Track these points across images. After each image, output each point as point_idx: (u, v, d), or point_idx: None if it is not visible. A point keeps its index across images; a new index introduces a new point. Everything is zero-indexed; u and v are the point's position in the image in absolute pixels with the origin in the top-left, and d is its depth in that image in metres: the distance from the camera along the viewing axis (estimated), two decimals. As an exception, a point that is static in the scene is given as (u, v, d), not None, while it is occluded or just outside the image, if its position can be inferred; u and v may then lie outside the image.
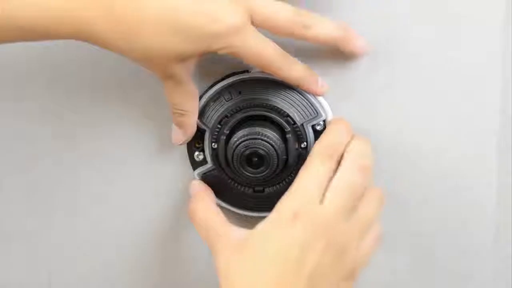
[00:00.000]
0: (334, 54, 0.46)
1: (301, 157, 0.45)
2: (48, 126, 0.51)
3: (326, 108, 0.46)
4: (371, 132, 0.47)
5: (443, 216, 0.50)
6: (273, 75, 0.44)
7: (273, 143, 0.43)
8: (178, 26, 0.40)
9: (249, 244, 0.41)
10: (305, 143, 0.46)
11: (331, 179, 0.42)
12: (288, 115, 0.45)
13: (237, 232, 0.43)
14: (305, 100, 0.46)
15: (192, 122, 0.46)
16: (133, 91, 0.49)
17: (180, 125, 0.46)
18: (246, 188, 0.47)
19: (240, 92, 0.45)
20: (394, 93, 0.48)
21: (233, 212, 0.48)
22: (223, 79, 0.47)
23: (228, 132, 0.45)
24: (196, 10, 0.40)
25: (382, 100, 0.48)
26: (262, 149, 0.43)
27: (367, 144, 0.44)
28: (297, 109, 0.45)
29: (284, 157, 0.44)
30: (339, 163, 0.42)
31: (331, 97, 0.47)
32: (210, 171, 0.47)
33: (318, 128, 0.46)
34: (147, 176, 0.51)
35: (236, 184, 0.47)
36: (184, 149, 0.48)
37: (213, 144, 0.46)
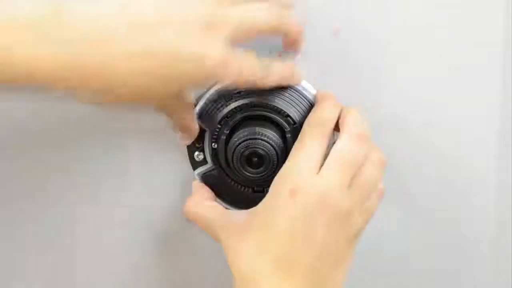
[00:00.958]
0: (336, 53, 0.47)
1: None
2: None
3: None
4: (371, 135, 0.47)
5: (443, 216, 0.50)
6: None
7: (273, 143, 0.43)
8: (163, 75, 0.38)
9: (251, 227, 0.41)
10: (305, 143, 0.46)
11: (325, 155, 0.42)
12: (288, 115, 0.45)
13: (237, 216, 0.43)
14: (305, 100, 0.46)
15: (194, 124, 0.46)
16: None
17: (184, 130, 0.46)
18: (246, 188, 0.47)
19: (239, 92, 0.45)
20: (394, 92, 0.48)
21: (233, 212, 0.48)
22: None
23: (228, 132, 0.45)
24: (176, 58, 0.37)
25: (381, 101, 0.48)
26: (262, 149, 0.43)
27: (358, 112, 0.43)
28: (297, 109, 0.45)
29: (284, 157, 0.44)
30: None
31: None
32: (210, 171, 0.47)
33: None
34: (147, 176, 0.51)
35: (236, 184, 0.47)
36: (184, 149, 0.48)
37: (213, 144, 0.46)
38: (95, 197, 0.52)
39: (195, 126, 0.46)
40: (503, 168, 0.49)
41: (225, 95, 0.46)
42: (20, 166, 0.52)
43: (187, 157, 0.48)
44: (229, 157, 0.44)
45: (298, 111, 0.45)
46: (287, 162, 0.42)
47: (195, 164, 0.48)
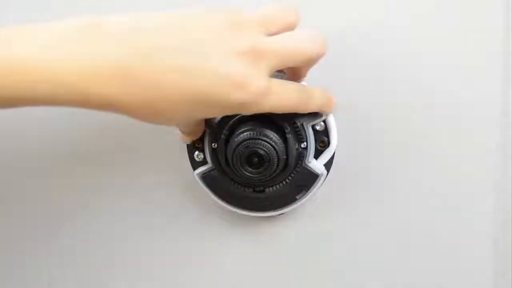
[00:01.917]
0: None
1: (301, 157, 0.45)
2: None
3: None
4: (372, 135, 0.47)
5: (442, 217, 0.50)
6: None
7: (273, 143, 0.43)
8: (202, 99, 0.37)
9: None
10: (305, 143, 0.46)
11: None
12: (288, 115, 0.45)
13: None
14: None
15: (201, 128, 0.46)
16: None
17: (190, 137, 0.46)
18: (246, 188, 0.47)
19: None
20: (394, 91, 0.48)
21: (233, 212, 0.48)
22: None
23: (228, 132, 0.45)
24: (219, 79, 0.36)
25: (381, 101, 0.48)
26: (262, 149, 0.43)
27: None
28: None
29: (284, 157, 0.44)
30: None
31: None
32: (210, 171, 0.47)
33: (318, 128, 0.46)
34: (147, 176, 0.51)
35: (236, 184, 0.47)
36: (184, 149, 0.48)
37: (213, 144, 0.46)
38: (94, 197, 0.52)
39: (202, 128, 0.46)
40: (503, 168, 0.49)
41: None
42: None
43: (187, 157, 0.48)
44: (229, 157, 0.44)
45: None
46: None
47: (195, 164, 0.48)
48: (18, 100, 0.35)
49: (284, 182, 0.46)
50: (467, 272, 0.51)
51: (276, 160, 0.43)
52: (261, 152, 0.43)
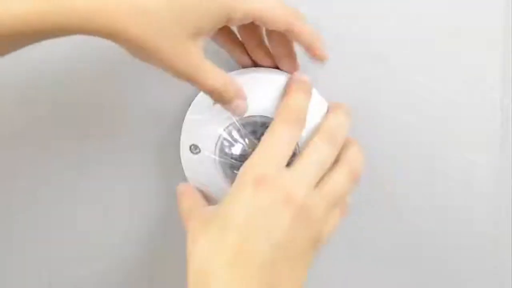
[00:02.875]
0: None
1: None
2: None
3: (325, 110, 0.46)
4: (371, 132, 0.47)
5: (442, 216, 0.50)
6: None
7: None
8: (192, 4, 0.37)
9: (212, 217, 0.40)
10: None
11: (296, 145, 0.41)
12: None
13: (207, 209, 0.42)
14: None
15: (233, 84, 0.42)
16: (133, 93, 0.49)
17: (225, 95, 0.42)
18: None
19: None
20: (394, 90, 0.48)
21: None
22: None
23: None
24: None
25: (381, 100, 0.48)
26: None
27: (342, 115, 0.43)
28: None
29: None
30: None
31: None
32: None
33: None
34: (146, 176, 0.51)
35: None
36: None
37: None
38: (94, 198, 0.52)
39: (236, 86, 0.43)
40: (503, 169, 0.49)
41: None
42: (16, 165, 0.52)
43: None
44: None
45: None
46: (258, 147, 0.40)
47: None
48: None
49: None
50: (467, 272, 0.51)
51: None
52: None
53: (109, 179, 0.51)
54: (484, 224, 0.50)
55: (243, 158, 0.44)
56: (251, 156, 0.40)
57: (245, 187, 0.39)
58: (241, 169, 0.40)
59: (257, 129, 0.44)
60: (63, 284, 0.54)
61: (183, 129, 0.46)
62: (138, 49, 0.37)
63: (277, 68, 0.45)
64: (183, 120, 0.46)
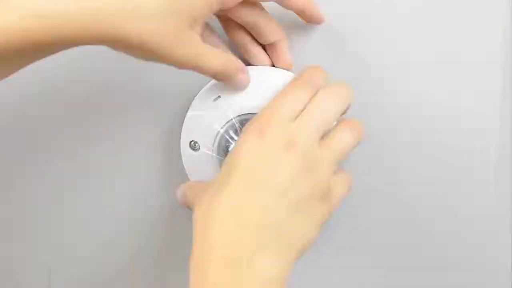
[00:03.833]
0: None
1: None
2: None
3: None
4: (373, 130, 0.47)
5: (442, 216, 0.50)
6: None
7: None
8: None
9: (222, 178, 0.39)
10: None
11: (305, 106, 0.41)
12: None
13: (212, 181, 0.41)
14: None
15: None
16: (133, 93, 0.49)
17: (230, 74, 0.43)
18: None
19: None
20: (394, 89, 0.48)
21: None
22: None
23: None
24: None
25: (382, 100, 0.48)
26: None
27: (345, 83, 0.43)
28: None
29: None
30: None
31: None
32: None
33: None
34: (148, 173, 0.51)
35: None
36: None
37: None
38: (94, 198, 0.52)
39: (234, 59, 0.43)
40: (503, 168, 0.49)
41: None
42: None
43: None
44: None
45: None
46: (265, 106, 0.41)
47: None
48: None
49: None
50: (467, 272, 0.51)
51: None
52: None
53: (109, 175, 0.51)
54: (484, 224, 0.50)
55: None
56: (260, 112, 0.41)
57: (248, 136, 0.39)
58: (247, 123, 0.41)
59: None
60: (62, 283, 0.54)
61: (184, 125, 0.47)
62: (140, 51, 0.38)
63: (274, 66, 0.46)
64: (184, 117, 0.47)
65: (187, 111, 0.46)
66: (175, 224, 0.52)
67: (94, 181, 0.52)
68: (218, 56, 0.41)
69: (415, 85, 0.47)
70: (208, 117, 0.45)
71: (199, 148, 0.46)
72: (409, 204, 0.50)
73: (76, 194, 0.52)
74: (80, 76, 0.49)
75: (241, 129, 0.45)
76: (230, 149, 0.45)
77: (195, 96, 0.46)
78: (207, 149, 0.46)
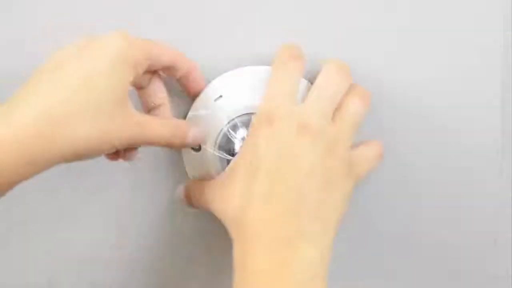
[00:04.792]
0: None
1: None
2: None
3: None
4: (370, 135, 0.47)
5: (441, 216, 0.50)
6: None
7: None
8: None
9: (234, 170, 0.41)
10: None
11: (299, 80, 0.41)
12: None
13: (225, 178, 0.42)
14: None
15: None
16: (133, 93, 0.49)
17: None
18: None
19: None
20: (394, 89, 0.48)
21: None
22: None
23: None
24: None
25: (381, 100, 0.48)
26: None
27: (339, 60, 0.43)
28: None
29: None
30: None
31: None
32: None
33: None
34: (148, 173, 0.51)
35: None
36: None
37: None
38: (94, 198, 0.52)
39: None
40: (503, 168, 0.49)
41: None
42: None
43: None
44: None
45: None
46: (263, 98, 0.41)
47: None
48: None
49: None
50: (468, 272, 0.51)
51: None
52: None
53: (109, 175, 0.51)
54: (484, 224, 0.50)
55: None
56: (261, 103, 0.41)
57: (259, 129, 0.40)
58: (254, 117, 0.41)
59: None
60: (62, 284, 0.54)
61: None
62: (88, 155, 0.39)
63: None
64: (185, 117, 0.46)
65: (188, 111, 0.46)
66: (176, 224, 0.51)
67: (94, 181, 0.51)
68: (163, 127, 0.42)
69: (415, 85, 0.48)
70: (209, 116, 0.45)
71: (200, 148, 0.46)
72: (409, 204, 0.50)
73: (76, 194, 0.52)
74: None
75: (244, 129, 0.45)
76: (235, 147, 0.44)
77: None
78: (209, 148, 0.46)
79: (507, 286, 0.51)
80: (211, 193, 0.42)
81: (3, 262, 0.53)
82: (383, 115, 0.48)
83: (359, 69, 0.47)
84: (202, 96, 0.46)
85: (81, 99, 0.37)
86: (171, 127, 0.42)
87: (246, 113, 0.44)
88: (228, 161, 0.45)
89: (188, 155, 0.47)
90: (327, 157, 0.39)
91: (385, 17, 0.47)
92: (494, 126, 0.48)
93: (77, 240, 0.53)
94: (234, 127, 0.45)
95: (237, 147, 0.44)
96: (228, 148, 0.45)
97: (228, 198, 0.40)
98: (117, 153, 0.43)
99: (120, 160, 0.44)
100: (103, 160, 0.51)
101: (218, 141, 0.45)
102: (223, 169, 0.45)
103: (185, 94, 0.46)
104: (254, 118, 0.41)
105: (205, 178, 0.46)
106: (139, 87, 0.44)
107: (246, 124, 0.44)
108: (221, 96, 0.45)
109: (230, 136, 0.45)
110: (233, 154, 0.44)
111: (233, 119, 0.45)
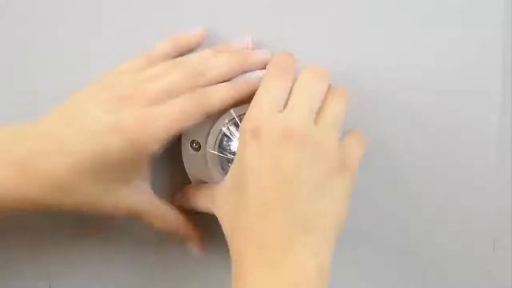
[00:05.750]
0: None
1: None
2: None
3: None
4: (370, 135, 0.47)
5: (441, 216, 0.50)
6: None
7: None
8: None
9: (229, 181, 0.42)
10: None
11: (288, 94, 0.41)
12: None
13: (224, 187, 0.43)
14: None
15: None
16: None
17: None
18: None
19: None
20: (394, 88, 0.48)
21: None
22: None
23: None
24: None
25: (382, 100, 0.48)
26: None
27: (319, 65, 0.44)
28: None
29: None
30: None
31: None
32: None
33: None
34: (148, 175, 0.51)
35: None
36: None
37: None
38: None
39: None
40: (503, 168, 0.49)
41: None
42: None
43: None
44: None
45: None
46: (251, 103, 0.42)
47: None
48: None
49: None
50: (467, 272, 0.51)
51: None
52: None
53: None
54: (483, 224, 0.50)
55: None
56: (246, 113, 0.41)
57: (245, 142, 0.40)
58: (240, 128, 0.41)
59: None
60: (63, 285, 0.54)
61: None
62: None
63: None
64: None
65: None
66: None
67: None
68: (170, 218, 0.46)
69: (414, 83, 0.48)
70: (209, 116, 0.45)
71: (200, 147, 0.46)
72: (408, 204, 0.50)
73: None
74: (79, 81, 0.49)
75: None
76: (231, 148, 0.45)
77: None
78: (209, 148, 0.46)
79: (507, 286, 0.51)
80: (210, 201, 0.44)
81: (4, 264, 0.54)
82: (383, 115, 0.48)
83: (356, 68, 0.47)
84: None
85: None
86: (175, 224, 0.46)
87: (244, 113, 0.44)
88: (229, 160, 0.45)
89: (188, 155, 0.47)
90: (315, 160, 0.39)
91: (383, 16, 0.47)
92: (494, 126, 0.48)
93: (77, 239, 0.53)
94: (235, 126, 0.45)
95: (234, 146, 0.45)
96: (228, 147, 0.45)
97: (224, 208, 0.42)
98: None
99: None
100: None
101: (218, 140, 0.45)
102: (223, 168, 0.45)
103: None
104: (241, 123, 0.41)
105: (205, 178, 0.46)
106: None
107: None
108: None
109: (230, 135, 0.45)
110: (233, 153, 0.44)
111: (233, 118, 0.45)
